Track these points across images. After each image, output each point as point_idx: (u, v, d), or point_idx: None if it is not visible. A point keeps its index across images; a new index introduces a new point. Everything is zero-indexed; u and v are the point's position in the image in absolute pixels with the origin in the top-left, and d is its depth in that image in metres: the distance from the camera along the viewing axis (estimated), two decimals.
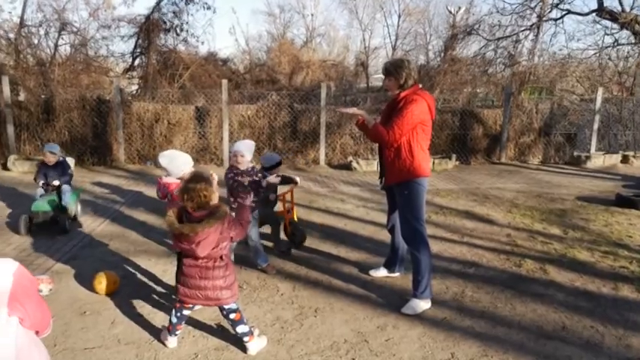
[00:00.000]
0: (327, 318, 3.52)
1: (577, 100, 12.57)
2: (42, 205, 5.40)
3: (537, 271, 4.50)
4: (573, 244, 5.28)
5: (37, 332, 1.91)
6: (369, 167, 10.09)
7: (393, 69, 3.66)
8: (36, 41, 12.57)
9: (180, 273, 2.99)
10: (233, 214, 3.42)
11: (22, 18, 12.69)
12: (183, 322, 3.11)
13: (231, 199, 4.19)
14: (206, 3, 13.90)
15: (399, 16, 25.74)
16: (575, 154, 11.69)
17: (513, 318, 3.58)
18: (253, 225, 4.25)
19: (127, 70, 14.16)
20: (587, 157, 11.28)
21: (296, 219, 5.32)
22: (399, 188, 3.70)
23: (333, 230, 5.77)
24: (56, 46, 13.11)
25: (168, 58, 14.16)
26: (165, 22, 13.38)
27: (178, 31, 13.58)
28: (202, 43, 14.41)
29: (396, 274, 4.28)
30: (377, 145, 3.80)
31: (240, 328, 3.03)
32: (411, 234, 3.70)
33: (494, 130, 11.62)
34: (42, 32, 12.83)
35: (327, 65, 21.86)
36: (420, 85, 3.74)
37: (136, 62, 14.25)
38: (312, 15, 27.01)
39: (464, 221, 6.19)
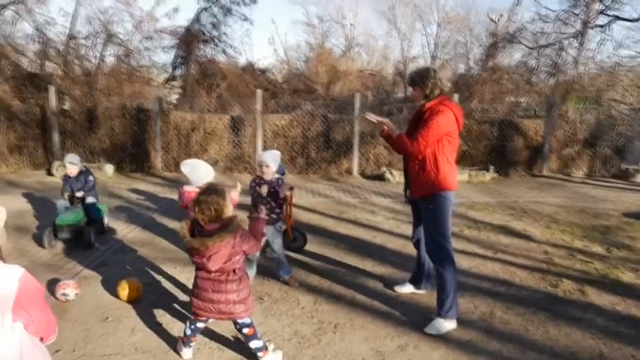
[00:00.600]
0: (347, 334, 3.42)
1: (626, 109, 11.94)
2: (67, 219, 5.25)
3: (575, 292, 4.23)
4: (617, 264, 4.95)
5: (41, 339, 1.92)
6: (402, 178, 9.85)
7: (419, 79, 3.55)
8: (83, 52, 13.13)
9: (194, 285, 2.97)
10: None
11: (71, 30, 13.31)
12: (198, 334, 3.08)
13: (253, 210, 4.16)
14: (243, 15, 14.17)
15: (438, 25, 25.42)
16: (624, 167, 11.08)
17: (545, 343, 3.36)
18: (276, 236, 4.21)
19: (167, 80, 14.57)
20: (637, 171, 10.66)
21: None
22: (424, 202, 3.57)
23: (360, 242, 5.66)
24: (102, 56, 13.66)
25: (206, 68, 14.50)
26: (204, 34, 13.70)
27: (217, 42, 13.87)
28: (240, 53, 14.48)
29: (422, 291, 4.13)
30: (403, 156, 3.67)
31: (254, 343, 2.98)
32: (436, 250, 3.55)
33: (536, 142, 11.18)
34: (89, 44, 13.42)
35: (364, 75, 21.78)
36: (456, 96, 3.59)
37: (177, 72, 14.65)
38: (351, 25, 27.07)
39: (499, 236, 5.94)
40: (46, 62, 12.06)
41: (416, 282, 4.14)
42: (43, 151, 10.37)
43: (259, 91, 10.36)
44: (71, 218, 5.27)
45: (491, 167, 10.48)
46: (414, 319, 3.66)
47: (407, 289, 4.17)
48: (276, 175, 4.21)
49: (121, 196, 7.94)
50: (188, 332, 3.02)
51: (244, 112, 11.08)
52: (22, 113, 10.34)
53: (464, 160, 10.93)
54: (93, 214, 5.57)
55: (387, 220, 6.73)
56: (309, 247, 5.37)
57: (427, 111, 3.49)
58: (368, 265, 4.88)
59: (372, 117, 3.65)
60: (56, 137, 10.03)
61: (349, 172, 10.68)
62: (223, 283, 2.84)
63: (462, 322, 3.59)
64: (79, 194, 5.55)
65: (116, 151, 10.46)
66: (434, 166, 3.47)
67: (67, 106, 10.74)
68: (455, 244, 5.64)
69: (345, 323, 3.58)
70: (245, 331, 2.96)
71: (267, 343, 3.08)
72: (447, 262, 3.51)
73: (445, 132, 3.43)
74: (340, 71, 20.70)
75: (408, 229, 6.00)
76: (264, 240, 4.18)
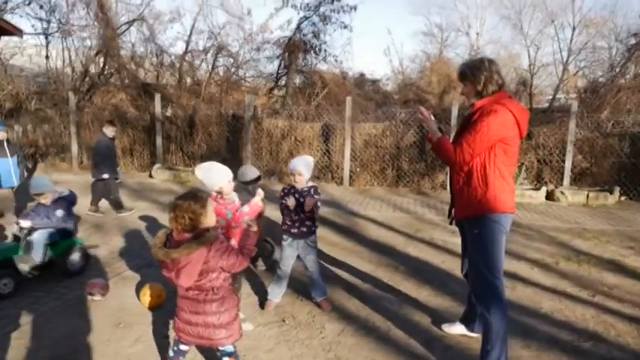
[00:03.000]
0: None
1: None
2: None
3: None
4: None
5: None
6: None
7: (470, 72, 2.86)
8: (196, 63, 14.05)
9: (177, 304, 2.65)
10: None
11: (187, 44, 14.35)
12: (182, 358, 2.75)
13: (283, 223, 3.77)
14: (343, 22, 13.96)
15: (574, 29, 22.74)
16: None
17: None
18: (309, 252, 3.75)
19: (271, 90, 14.95)
20: None
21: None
22: (469, 225, 2.85)
23: (425, 266, 4.93)
24: (213, 67, 14.49)
25: (309, 76, 14.59)
26: (305, 43, 13.79)
27: (317, 50, 13.86)
28: (341, 62, 14.35)
29: (475, 335, 3.34)
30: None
31: None
32: (481, 286, 2.80)
33: None
34: (202, 56, 14.33)
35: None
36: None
37: (280, 82, 14.98)
38: (477, 34, 25.54)
39: (604, 274, 4.76)
40: (161, 73, 13.06)
41: (468, 322, 3.37)
42: (149, 154, 11.16)
43: (349, 98, 9.98)
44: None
45: (617, 189, 8.78)
46: None
47: (457, 329, 3.42)
48: (309, 184, 3.76)
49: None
50: (171, 354, 2.71)
51: (336, 119, 10.78)
52: (134, 120, 11.26)
53: (582, 178, 9.35)
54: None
55: None
56: (361, 267, 4.82)
57: (478, 111, 2.79)
58: (423, 293, 4.18)
59: (424, 112, 3.00)
60: (159, 141, 10.71)
61: (443, 186, 9.75)
62: (201, 304, 2.47)
63: None
64: (25, 224, 4.20)
65: (211, 157, 10.79)
66: (482, 181, 2.75)
67: (169, 112, 11.46)
68: (542, 277, 4.67)
69: None
70: None
71: None
72: (495, 303, 2.74)
73: (499, 138, 2.69)
74: (455, 81, 19.50)
75: None
76: (277, 253, 3.78)
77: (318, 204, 3.71)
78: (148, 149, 11.21)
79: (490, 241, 2.74)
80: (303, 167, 3.68)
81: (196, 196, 2.43)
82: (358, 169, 10.22)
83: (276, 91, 14.74)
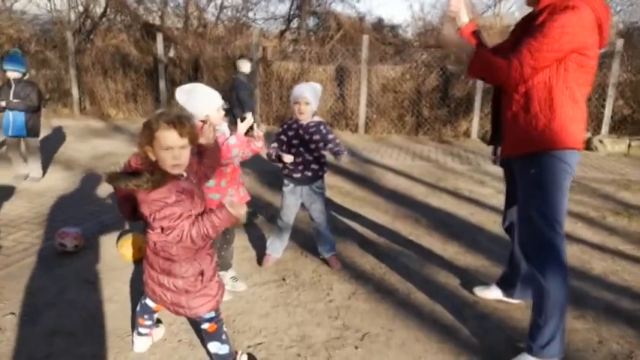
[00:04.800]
0: (373, 355, 2.27)
1: None
2: None
3: None
4: None
5: None
6: None
7: None
8: (205, 2, 13.10)
9: None
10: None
11: None
12: (152, 322, 2.21)
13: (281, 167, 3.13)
14: None
15: None
16: None
17: None
18: (314, 200, 3.13)
19: (283, 32, 13.99)
20: None
21: None
22: (522, 164, 2.17)
23: (450, 219, 4.31)
24: (221, 8, 13.53)
25: (323, 18, 13.57)
26: None
27: None
28: (358, 1, 13.21)
29: (515, 301, 2.75)
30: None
31: (214, 347, 2.02)
32: (536, 243, 2.15)
33: None
34: None
35: (509, 30, 18.93)
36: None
37: (292, 24, 13.99)
38: None
39: None
40: (166, 13, 12.21)
41: (507, 286, 2.77)
42: (153, 100, 10.53)
43: (366, 37, 9.10)
44: None
45: None
46: (491, 346, 2.35)
47: (492, 294, 2.82)
48: (316, 118, 3.09)
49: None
50: (137, 310, 2.17)
51: (351, 62, 9.92)
52: (136, 62, 10.56)
53: (623, 126, 8.48)
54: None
55: (498, 194, 5.18)
56: (376, 219, 4.22)
57: (546, 9, 2.04)
58: (449, 250, 3.58)
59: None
60: (162, 85, 10.05)
61: (467, 134, 8.99)
62: (168, 262, 1.88)
63: None
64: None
65: None
66: (546, 106, 2.05)
67: (172, 53, 10.71)
68: (588, 234, 4.02)
69: (379, 336, 2.42)
70: (205, 326, 2.01)
71: (235, 354, 2.11)
72: (553, 265, 2.11)
73: (575, 46, 1.97)
74: (481, 26, 18.22)
75: None
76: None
77: (331, 145, 3.05)
78: (151, 94, 10.56)
79: (551, 185, 2.08)
80: (310, 94, 3.00)
81: (150, 119, 1.79)
82: (375, 116, 9.47)
83: (288, 34, 13.78)
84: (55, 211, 4.19)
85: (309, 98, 2.99)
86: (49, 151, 6.67)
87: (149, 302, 2.11)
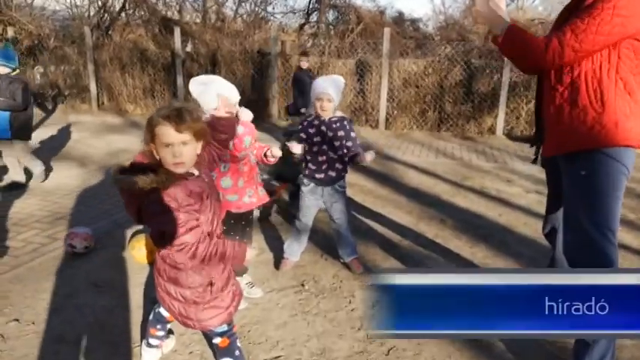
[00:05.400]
0: None
1: None
2: None
3: None
4: None
5: None
6: None
7: None
8: None
9: None
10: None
11: None
12: (164, 332, 2.05)
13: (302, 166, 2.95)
14: None
15: None
16: None
17: None
18: (336, 200, 2.94)
19: (302, 26, 13.80)
20: None
21: None
22: (570, 163, 1.94)
23: (478, 220, 4.07)
24: (240, 2, 13.40)
25: (343, 12, 13.33)
26: None
27: None
28: None
29: None
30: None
31: None
32: (585, 252, 1.92)
33: None
34: None
35: (533, 24, 18.46)
36: None
37: (312, 18, 13.79)
38: None
39: None
40: (184, 7, 12.12)
41: None
42: (170, 95, 10.44)
43: (387, 30, 8.84)
44: None
45: None
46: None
47: None
48: (338, 114, 2.90)
49: None
50: (150, 319, 2.02)
51: (372, 56, 9.67)
52: (154, 57, 10.48)
53: None
54: None
55: (527, 193, 4.91)
56: (400, 219, 4.01)
57: None
58: (478, 254, 3.35)
59: None
60: (180, 81, 9.95)
61: (492, 131, 8.67)
62: (175, 270, 1.71)
63: None
64: None
65: None
66: (595, 98, 1.82)
67: (189, 48, 10.60)
68: (628, 238, 3.73)
69: (407, 350, 2.22)
70: (216, 341, 1.84)
71: None
72: None
73: (629, 31, 1.74)
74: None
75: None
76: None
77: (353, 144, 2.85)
78: (169, 89, 10.47)
79: (605, 187, 1.85)
80: (333, 90, 2.80)
81: (153, 114, 1.61)
82: (396, 111, 9.22)
83: (307, 28, 13.58)
84: (67, 210, 4.08)
85: (332, 95, 2.80)
86: (63, 147, 6.62)
87: (163, 311, 1.94)
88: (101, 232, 3.50)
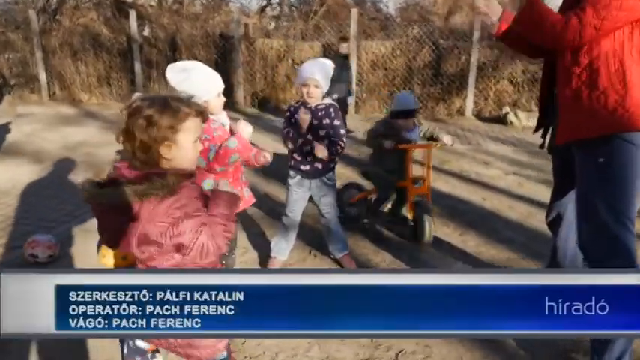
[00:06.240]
0: None
1: None
2: None
3: None
4: None
5: None
6: (531, 122, 7.69)
7: None
8: None
9: None
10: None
11: None
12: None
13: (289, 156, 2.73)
14: None
15: None
16: None
17: None
18: (325, 193, 2.76)
19: (263, 9, 13.36)
20: None
21: (429, 199, 3.37)
22: (587, 150, 1.82)
23: (464, 205, 4.00)
24: None
25: None
26: None
27: None
28: None
29: None
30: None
31: None
32: (601, 243, 1.82)
33: None
34: None
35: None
36: None
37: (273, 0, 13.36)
38: None
39: None
40: None
41: None
42: (128, 83, 9.89)
43: (354, 11, 8.63)
44: None
45: None
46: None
47: None
48: (327, 100, 2.69)
49: None
50: (125, 351, 1.75)
51: (338, 38, 9.44)
52: (108, 42, 9.87)
53: None
54: None
55: (506, 175, 4.88)
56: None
57: None
58: (470, 243, 3.26)
59: None
60: (138, 67, 9.42)
61: (461, 112, 8.67)
62: None
63: None
64: None
65: None
66: (617, 79, 1.70)
67: (146, 32, 10.05)
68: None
69: (415, 353, 2.08)
70: None
71: None
72: (621, 267, 1.78)
73: None
74: (462, 0, 17.89)
75: (537, 191, 4.19)
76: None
77: (342, 132, 2.67)
78: (126, 77, 9.91)
79: (624, 174, 1.74)
80: (320, 75, 2.59)
81: (166, 103, 1.37)
82: (364, 95, 9.08)
83: (268, 10, 13.16)
84: (24, 213, 3.70)
85: (320, 80, 2.59)
86: (14, 141, 6.10)
87: (141, 342, 1.66)
88: (65, 238, 3.18)
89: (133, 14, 9.21)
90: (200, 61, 7.25)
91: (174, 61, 9.12)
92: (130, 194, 1.26)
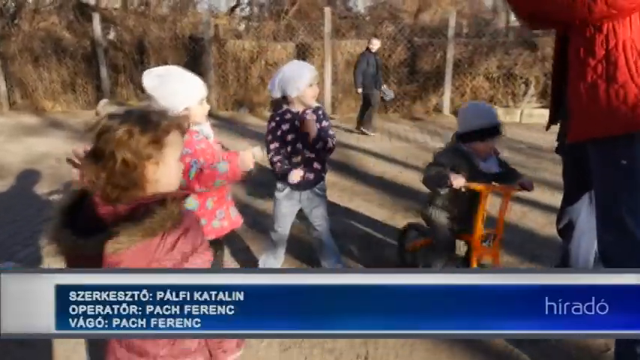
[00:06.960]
0: None
1: None
2: None
3: None
4: None
5: None
6: (509, 118, 7.69)
7: None
8: None
9: None
10: None
11: None
12: None
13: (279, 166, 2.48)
14: None
15: None
16: None
17: None
18: (316, 205, 2.56)
19: (233, 9, 13.06)
20: None
21: (498, 263, 2.50)
22: (605, 150, 1.68)
23: None
24: None
25: None
26: None
27: None
28: None
29: None
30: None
31: None
32: (623, 250, 1.69)
33: None
34: None
35: (460, 0, 18.90)
36: None
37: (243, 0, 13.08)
38: None
39: None
40: None
41: None
42: (94, 89, 9.46)
43: (327, 9, 8.47)
44: None
45: None
46: None
47: None
48: (314, 104, 2.50)
49: None
50: None
51: (313, 38, 9.26)
52: (72, 47, 9.42)
53: None
54: None
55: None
56: (373, 214, 3.71)
57: None
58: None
59: None
60: (104, 72, 9.02)
61: (438, 109, 8.62)
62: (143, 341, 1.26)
63: None
64: None
65: None
66: (637, 70, 1.56)
67: (111, 35, 9.65)
68: None
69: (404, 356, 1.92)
70: None
71: None
72: None
73: None
74: None
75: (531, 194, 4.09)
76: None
77: (331, 133, 2.49)
78: (92, 82, 9.48)
79: None
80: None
81: (144, 116, 1.15)
82: (340, 95, 8.93)
83: (238, 11, 12.87)
84: None
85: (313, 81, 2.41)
86: None
87: None
88: (29, 265, 2.89)
89: (96, 17, 8.83)
90: (170, 64, 6.93)
91: (142, 64, 8.78)
92: (128, 237, 1.05)
